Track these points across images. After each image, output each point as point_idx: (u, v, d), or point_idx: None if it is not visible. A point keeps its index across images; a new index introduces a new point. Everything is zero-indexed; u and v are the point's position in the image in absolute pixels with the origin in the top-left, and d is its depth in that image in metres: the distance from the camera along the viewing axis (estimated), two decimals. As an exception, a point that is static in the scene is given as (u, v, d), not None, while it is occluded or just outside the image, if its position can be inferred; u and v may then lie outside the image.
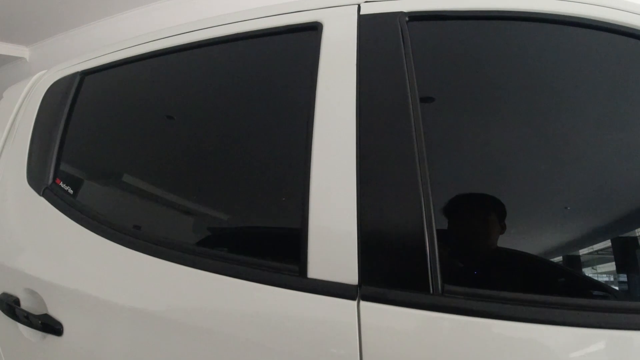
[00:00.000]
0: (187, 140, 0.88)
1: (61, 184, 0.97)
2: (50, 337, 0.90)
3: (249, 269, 0.67)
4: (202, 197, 0.83)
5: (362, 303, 0.60)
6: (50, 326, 0.89)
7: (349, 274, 0.61)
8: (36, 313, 0.91)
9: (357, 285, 0.61)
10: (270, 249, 0.72)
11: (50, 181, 0.99)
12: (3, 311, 0.98)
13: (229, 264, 0.69)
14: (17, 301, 0.97)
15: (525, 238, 0.64)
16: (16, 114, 1.22)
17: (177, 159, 0.88)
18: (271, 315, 0.64)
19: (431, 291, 0.58)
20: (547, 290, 0.61)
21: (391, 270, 0.60)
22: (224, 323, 0.68)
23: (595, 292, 0.65)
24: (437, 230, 0.60)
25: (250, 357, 0.65)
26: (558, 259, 0.64)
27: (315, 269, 0.63)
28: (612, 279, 0.63)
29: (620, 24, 0.70)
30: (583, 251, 0.62)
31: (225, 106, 0.85)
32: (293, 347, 0.62)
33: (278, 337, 0.63)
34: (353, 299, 0.60)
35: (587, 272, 0.62)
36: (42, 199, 0.98)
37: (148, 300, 0.76)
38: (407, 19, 0.76)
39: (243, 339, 0.66)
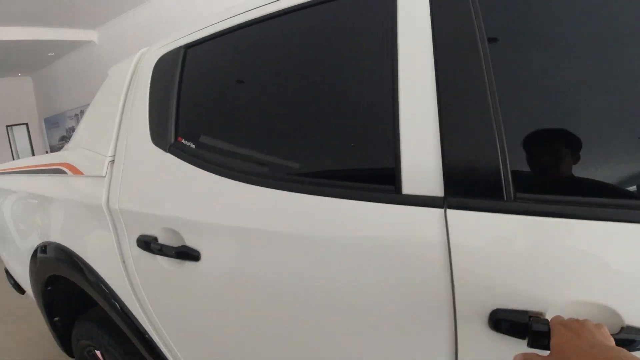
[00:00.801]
0: (287, 95, 1.04)
1: (183, 140, 1.19)
2: (189, 264, 1.14)
3: (352, 191, 0.84)
4: (306, 142, 0.99)
5: (448, 211, 0.74)
6: (189, 254, 1.12)
7: (436, 188, 0.76)
8: (175, 245, 1.15)
9: (443, 197, 0.75)
10: (368, 177, 0.88)
11: (173, 140, 1.21)
12: (142, 248, 1.24)
13: (333, 188, 0.87)
14: (155, 239, 1.21)
15: (599, 169, 0.71)
16: (128, 88, 1.44)
17: (280, 112, 1.05)
18: (372, 227, 0.81)
19: (505, 198, 0.71)
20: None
21: (470, 183, 0.74)
22: (331, 238, 0.86)
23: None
24: (509, 150, 0.72)
25: (357, 263, 0.83)
26: (632, 188, 0.70)
27: (408, 187, 0.78)
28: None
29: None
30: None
31: (318, 62, 0.99)
32: (394, 251, 0.79)
33: (380, 245, 0.80)
34: (441, 207, 0.75)
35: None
36: (169, 155, 1.19)
37: (265, 221, 0.96)
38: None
39: (350, 249, 0.84)
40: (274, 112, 1.05)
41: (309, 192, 0.89)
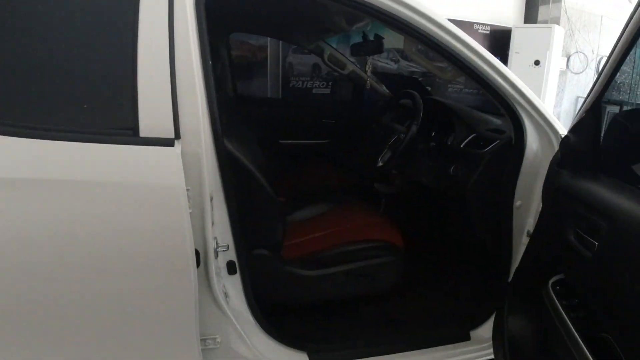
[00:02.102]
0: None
1: None
2: None
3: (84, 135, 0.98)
4: (52, 89, 1.01)
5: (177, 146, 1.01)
6: None
7: (169, 132, 1.01)
8: None
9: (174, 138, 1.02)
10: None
11: None
12: None
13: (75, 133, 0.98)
14: None
15: None
16: None
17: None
18: (112, 165, 0.99)
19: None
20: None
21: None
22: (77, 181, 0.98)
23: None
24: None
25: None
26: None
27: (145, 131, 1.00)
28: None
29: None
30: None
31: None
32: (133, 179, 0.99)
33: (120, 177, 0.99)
34: (172, 146, 1.01)
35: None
36: None
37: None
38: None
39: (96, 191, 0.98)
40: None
41: (51, 137, 0.96)
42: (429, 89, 3.92)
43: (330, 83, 4.03)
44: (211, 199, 1.16)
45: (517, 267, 1.48)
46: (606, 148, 1.11)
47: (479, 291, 1.85)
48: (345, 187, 2.36)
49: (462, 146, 1.72)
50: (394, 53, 4.57)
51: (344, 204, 1.98)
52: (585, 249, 0.99)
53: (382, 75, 3.59)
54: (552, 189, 1.22)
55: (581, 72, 5.43)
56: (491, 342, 1.62)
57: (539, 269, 1.30)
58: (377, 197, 2.31)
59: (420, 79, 4.24)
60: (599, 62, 5.51)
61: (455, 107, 1.95)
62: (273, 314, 1.52)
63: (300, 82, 4.58)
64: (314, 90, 4.56)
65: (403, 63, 4.59)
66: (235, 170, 1.27)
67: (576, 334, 0.97)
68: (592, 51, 5.47)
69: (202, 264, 1.18)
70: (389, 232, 1.72)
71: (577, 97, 5.68)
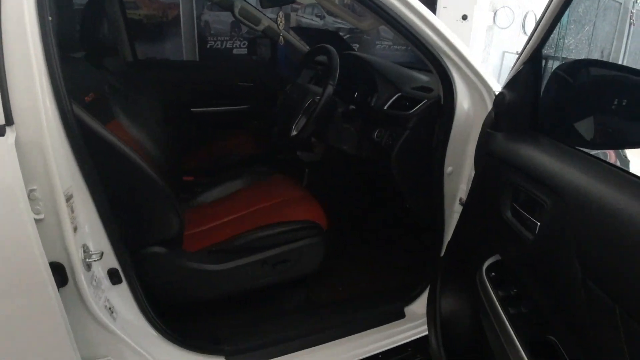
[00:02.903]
0: None
1: None
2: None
3: None
4: None
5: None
6: None
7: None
8: None
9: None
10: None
11: None
12: None
13: None
14: None
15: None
16: None
17: None
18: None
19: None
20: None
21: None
22: None
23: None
24: None
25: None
26: None
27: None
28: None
29: None
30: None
31: None
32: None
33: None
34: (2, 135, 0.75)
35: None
36: None
37: None
38: None
39: None
40: None
41: None
42: (357, 46, 3.68)
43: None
44: (69, 199, 0.89)
45: (449, 241, 1.33)
46: (546, 105, 0.95)
47: (412, 265, 1.73)
48: (265, 158, 2.11)
49: (385, 108, 1.52)
50: (319, 9, 4.28)
51: (261, 179, 1.74)
52: (525, 229, 0.83)
53: (300, 31, 3.28)
54: (484, 154, 1.06)
55: (507, 27, 5.43)
56: (425, 318, 1.54)
57: (472, 246, 1.16)
58: (301, 166, 2.08)
59: (346, 35, 3.99)
60: (525, 17, 5.54)
61: (377, 63, 1.72)
62: (180, 318, 1.30)
63: (219, 43, 4.19)
64: (235, 51, 4.19)
65: (329, 19, 4.30)
66: (107, 156, 1.00)
67: (515, 338, 0.82)
68: (519, 6, 5.48)
69: (70, 279, 0.93)
70: (309, 210, 1.51)
71: (504, 52, 5.71)
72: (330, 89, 1.39)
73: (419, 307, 1.61)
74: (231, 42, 4.17)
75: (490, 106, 1.26)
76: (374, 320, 1.54)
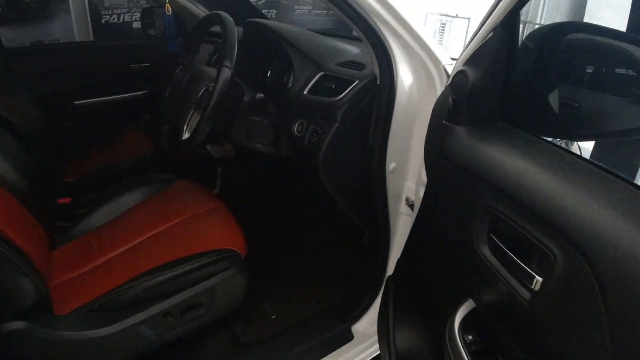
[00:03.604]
0: None
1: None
2: None
3: None
4: None
5: None
6: None
7: None
8: None
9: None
10: None
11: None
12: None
13: None
14: None
15: None
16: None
17: None
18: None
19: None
20: None
21: None
22: None
23: None
24: None
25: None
26: None
27: None
28: None
29: None
30: None
31: None
32: None
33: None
34: None
35: None
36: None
37: None
38: None
39: None
40: None
41: None
42: (274, 12, 3.27)
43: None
44: None
45: (398, 259, 1.07)
46: (522, 89, 0.67)
47: (351, 275, 1.47)
48: (163, 161, 1.71)
49: (305, 93, 1.18)
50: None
51: (160, 190, 1.36)
52: (517, 281, 0.56)
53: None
54: (439, 156, 0.77)
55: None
56: (375, 336, 1.30)
57: (430, 275, 0.90)
58: (211, 165, 1.68)
59: (260, 0, 3.54)
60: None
61: (291, 32, 1.34)
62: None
63: (116, 16, 3.58)
64: (135, 25, 3.61)
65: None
66: None
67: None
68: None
69: None
70: (224, 233, 1.17)
71: (427, 14, 5.44)
72: (226, 73, 1.02)
73: (366, 325, 1.36)
74: (129, 14, 3.57)
75: (440, 87, 0.97)
76: (321, 348, 1.27)
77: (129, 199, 1.36)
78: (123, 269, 1.08)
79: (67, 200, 1.44)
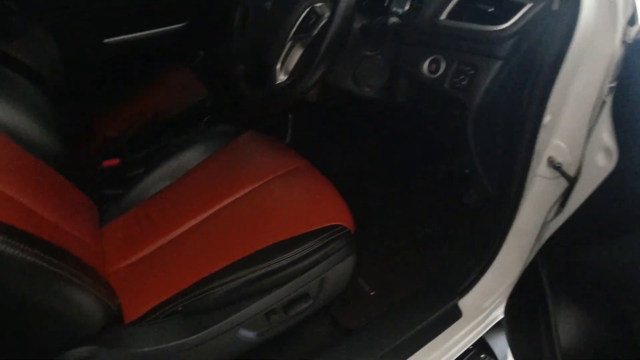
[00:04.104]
0: None
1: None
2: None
3: None
4: None
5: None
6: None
7: None
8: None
9: None
10: None
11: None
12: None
13: None
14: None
15: None
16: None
17: None
18: None
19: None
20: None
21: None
22: None
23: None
24: None
25: None
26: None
27: None
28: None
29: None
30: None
31: None
32: None
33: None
34: None
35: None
36: None
37: None
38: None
39: None
40: None
41: None
42: None
43: None
44: None
45: (552, 237, 0.85)
46: None
47: (452, 244, 1.28)
48: (225, 106, 1.43)
49: (443, 17, 0.86)
50: None
51: (222, 147, 1.12)
52: None
53: None
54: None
55: None
56: (484, 312, 1.14)
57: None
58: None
59: None
60: None
61: None
62: None
63: None
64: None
65: None
66: None
67: None
68: None
69: None
70: (326, 205, 0.94)
71: None
72: None
73: (474, 300, 1.17)
74: None
75: (622, 19, 0.68)
76: (430, 330, 1.09)
77: (190, 157, 1.13)
78: (202, 253, 0.87)
79: (114, 162, 1.21)
